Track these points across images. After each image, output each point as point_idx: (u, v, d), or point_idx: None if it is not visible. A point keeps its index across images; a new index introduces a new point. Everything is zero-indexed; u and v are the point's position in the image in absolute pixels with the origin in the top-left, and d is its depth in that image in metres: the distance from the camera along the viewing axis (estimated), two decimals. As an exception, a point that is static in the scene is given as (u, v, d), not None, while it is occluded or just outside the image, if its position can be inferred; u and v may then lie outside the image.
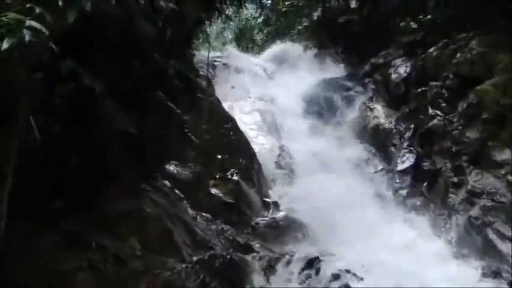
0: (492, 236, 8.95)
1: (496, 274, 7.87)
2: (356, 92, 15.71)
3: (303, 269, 7.65)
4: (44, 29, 5.30)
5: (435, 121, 11.86)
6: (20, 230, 6.34)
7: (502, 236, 8.85)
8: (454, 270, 8.23)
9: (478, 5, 12.47)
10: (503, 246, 8.71)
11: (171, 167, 9.95)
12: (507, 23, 11.80)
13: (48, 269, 6.87)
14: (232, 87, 15.73)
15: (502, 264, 8.28)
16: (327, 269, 7.56)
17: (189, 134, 9.43)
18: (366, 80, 15.85)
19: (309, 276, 7.53)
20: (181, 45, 8.86)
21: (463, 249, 9.06)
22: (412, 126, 12.71)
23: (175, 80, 8.51)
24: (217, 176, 10.82)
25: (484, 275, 7.94)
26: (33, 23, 5.25)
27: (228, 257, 8.11)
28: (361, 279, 7.31)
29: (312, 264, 7.71)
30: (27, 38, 5.16)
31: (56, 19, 5.55)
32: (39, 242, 6.95)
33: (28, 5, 5.44)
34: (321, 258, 7.82)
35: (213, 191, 10.55)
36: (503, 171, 9.83)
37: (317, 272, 7.53)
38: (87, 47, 6.63)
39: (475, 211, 9.54)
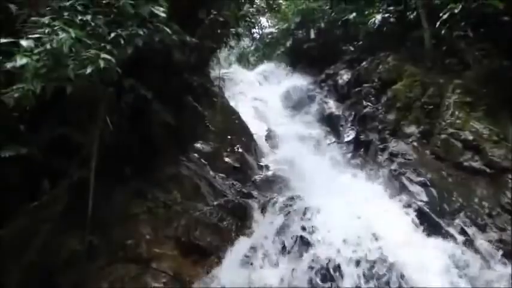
0: (405, 181, 8.95)
1: (408, 205, 7.93)
2: (316, 92, 15.63)
3: (284, 207, 7.69)
4: (112, 59, 5.38)
5: (367, 109, 11.82)
6: (103, 188, 6.44)
7: (411, 181, 8.86)
8: (381, 202, 8.29)
9: (391, 34, 12.51)
10: (412, 188, 8.73)
11: (198, 145, 9.96)
12: (410, 46, 11.85)
13: (121, 212, 7.00)
14: (236, 92, 15.70)
15: (412, 199, 8.35)
16: (301, 206, 7.61)
17: (208, 124, 9.48)
18: (322, 85, 15.76)
19: (288, 211, 7.57)
20: (202, 66, 8.88)
21: (387, 190, 9.10)
22: (353, 113, 12.64)
23: (199, 89, 8.53)
24: (228, 150, 10.83)
25: (399, 203, 7.98)
26: (106, 55, 5.33)
27: (237, 201, 8.17)
28: (320, 213, 7.33)
29: (291, 203, 7.73)
30: (102, 65, 5.24)
31: (119, 52, 5.61)
32: (116, 196, 7.06)
33: (102, 44, 5.50)
34: (295, 199, 7.85)
35: (226, 159, 10.56)
36: (410, 140, 9.84)
37: (294, 208, 7.55)
38: (141, 69, 6.68)
39: (394, 166, 9.53)
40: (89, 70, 5.17)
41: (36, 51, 5.14)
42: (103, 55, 5.30)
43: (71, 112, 6.31)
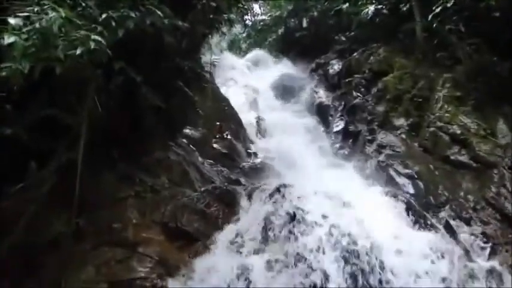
0: (392, 173, 9.04)
1: (394, 196, 7.93)
2: (306, 81, 15.63)
3: (272, 194, 7.66)
4: (103, 41, 5.30)
5: (357, 100, 11.90)
6: (91, 170, 6.37)
7: (398, 173, 8.95)
8: (368, 192, 8.28)
9: (384, 26, 12.51)
10: (399, 180, 8.82)
11: (187, 130, 9.88)
12: (401, 38, 11.85)
13: (109, 196, 6.94)
14: (226, 79, 15.60)
15: (398, 190, 8.36)
16: (288, 195, 7.59)
17: (198, 109, 9.40)
18: (313, 74, 15.76)
19: (275, 199, 7.54)
20: (193, 52, 8.77)
21: (374, 181, 9.10)
22: (343, 103, 12.68)
23: (189, 74, 8.44)
24: (217, 136, 10.78)
25: (386, 195, 7.99)
26: (96, 37, 5.25)
27: (225, 188, 8.07)
28: (307, 202, 7.30)
29: (278, 191, 7.72)
30: (92, 46, 5.16)
31: (110, 34, 5.52)
32: (104, 179, 6.99)
33: (93, 25, 5.41)
34: (283, 187, 7.82)
35: (215, 145, 10.51)
36: (399, 132, 9.94)
37: (281, 196, 7.54)
38: (131, 52, 6.58)
39: (381, 157, 9.63)
40: (78, 51, 5.08)
41: (24, 29, 5.03)
42: (93, 36, 5.21)
43: (60, 93, 6.21)
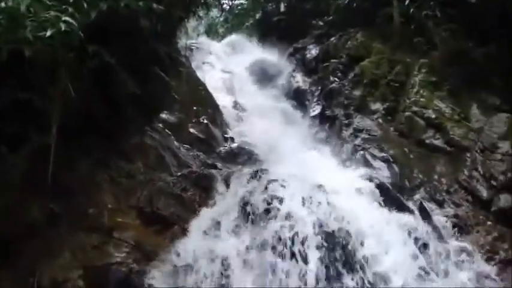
0: (368, 156, 9.14)
1: (370, 179, 8.00)
2: (284, 66, 15.56)
3: (249, 179, 7.67)
4: (74, 23, 5.18)
5: (334, 85, 11.87)
6: (66, 155, 6.27)
7: (374, 157, 9.07)
8: (344, 176, 8.35)
9: (361, 11, 12.51)
10: (375, 163, 8.93)
11: (163, 115, 9.72)
12: (379, 23, 11.85)
13: (84, 181, 6.85)
14: (203, 63, 15.44)
15: (374, 174, 8.46)
16: (264, 179, 7.61)
17: (174, 94, 9.29)
18: (291, 58, 15.63)
19: (252, 183, 7.55)
20: (169, 35, 8.64)
21: (350, 164, 9.19)
22: (320, 88, 12.65)
23: (165, 58, 8.32)
24: (193, 121, 10.68)
25: (361, 178, 8.05)
26: (67, 18, 5.13)
27: (201, 172, 8.09)
28: (283, 186, 7.36)
29: (255, 175, 7.73)
30: (63, 28, 5.03)
31: (82, 15, 5.40)
32: (79, 164, 6.89)
33: (64, 6, 5.28)
34: (259, 171, 7.84)
35: (191, 130, 10.41)
36: (375, 116, 10.02)
37: (258, 180, 7.55)
38: (104, 35, 6.43)
39: (358, 141, 9.71)
40: (49, 33, 4.96)
41: (-10, 9, 4.89)
42: (64, 17, 5.08)
43: (33, 76, 6.05)
